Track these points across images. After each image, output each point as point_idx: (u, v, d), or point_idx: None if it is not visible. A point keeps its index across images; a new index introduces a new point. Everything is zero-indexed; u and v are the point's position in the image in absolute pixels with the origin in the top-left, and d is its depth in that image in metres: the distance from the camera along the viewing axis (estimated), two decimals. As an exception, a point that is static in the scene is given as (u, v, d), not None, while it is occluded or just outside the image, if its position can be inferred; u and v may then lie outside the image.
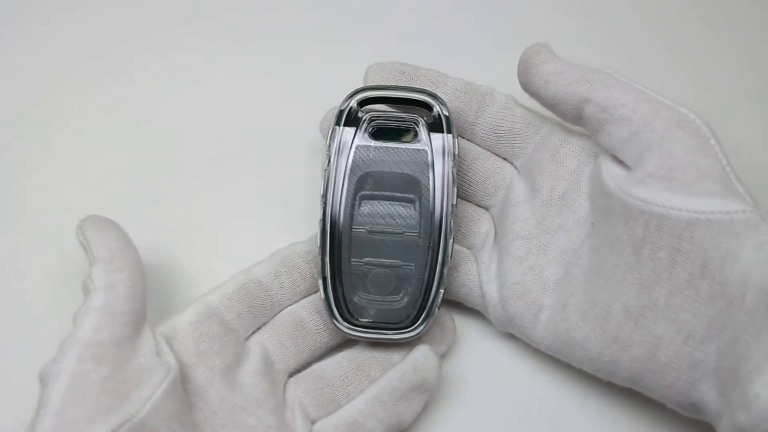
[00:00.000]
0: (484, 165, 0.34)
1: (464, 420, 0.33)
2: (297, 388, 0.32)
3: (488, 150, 0.34)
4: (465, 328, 0.35)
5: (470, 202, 0.35)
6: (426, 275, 0.31)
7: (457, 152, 0.31)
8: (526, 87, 0.32)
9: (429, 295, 0.31)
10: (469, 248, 0.34)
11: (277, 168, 0.38)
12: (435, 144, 0.31)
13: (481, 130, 0.33)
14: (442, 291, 0.31)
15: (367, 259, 0.31)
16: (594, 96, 0.30)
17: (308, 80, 0.40)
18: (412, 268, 0.31)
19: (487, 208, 0.35)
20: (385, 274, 0.31)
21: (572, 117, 0.31)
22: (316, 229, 0.32)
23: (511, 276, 0.32)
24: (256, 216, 0.37)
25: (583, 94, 0.30)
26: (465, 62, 0.41)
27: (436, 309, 0.31)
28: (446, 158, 0.31)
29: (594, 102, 0.30)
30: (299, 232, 0.34)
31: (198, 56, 0.41)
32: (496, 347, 0.34)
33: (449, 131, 0.31)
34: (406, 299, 0.31)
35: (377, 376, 0.32)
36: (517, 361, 0.34)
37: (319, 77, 0.40)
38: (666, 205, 0.28)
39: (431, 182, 0.31)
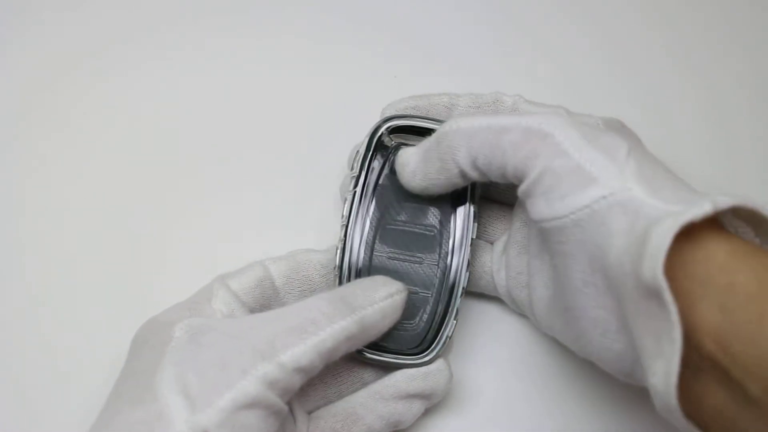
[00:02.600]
0: None
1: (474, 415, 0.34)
2: None
3: None
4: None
5: (497, 201, 0.35)
6: (443, 304, 0.32)
7: (478, 189, 0.32)
8: (422, 194, 0.32)
9: (443, 324, 0.31)
10: (491, 242, 0.35)
11: (279, 169, 0.38)
12: None
13: None
14: (455, 321, 0.32)
15: None
16: (452, 168, 0.30)
17: (311, 81, 0.40)
18: (430, 295, 0.32)
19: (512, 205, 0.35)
20: None
21: (467, 184, 0.32)
22: (334, 242, 0.32)
23: (515, 266, 0.33)
24: (259, 216, 0.37)
25: (449, 175, 0.31)
26: (466, 64, 0.41)
27: (449, 337, 0.31)
28: (468, 193, 0.32)
29: (459, 172, 0.30)
30: (305, 237, 0.35)
31: (198, 56, 0.41)
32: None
33: None
34: (421, 326, 0.32)
35: (371, 381, 0.32)
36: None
37: (322, 80, 0.40)
38: (537, 219, 0.28)
39: (452, 216, 0.32)
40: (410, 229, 0.32)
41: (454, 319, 0.32)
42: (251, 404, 0.26)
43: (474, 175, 0.30)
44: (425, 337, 0.32)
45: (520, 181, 0.29)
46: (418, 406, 0.31)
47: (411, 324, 0.32)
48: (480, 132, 0.29)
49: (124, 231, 0.37)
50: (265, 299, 0.31)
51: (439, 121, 0.32)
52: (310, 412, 0.32)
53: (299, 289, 0.32)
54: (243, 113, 0.39)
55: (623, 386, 0.33)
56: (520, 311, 0.34)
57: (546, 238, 0.29)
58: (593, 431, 0.34)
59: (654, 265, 0.23)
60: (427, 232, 0.32)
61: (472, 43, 0.41)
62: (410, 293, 0.31)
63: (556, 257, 0.28)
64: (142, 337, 0.29)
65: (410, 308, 0.32)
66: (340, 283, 0.32)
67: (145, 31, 0.41)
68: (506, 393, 0.34)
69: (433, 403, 0.32)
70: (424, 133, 0.32)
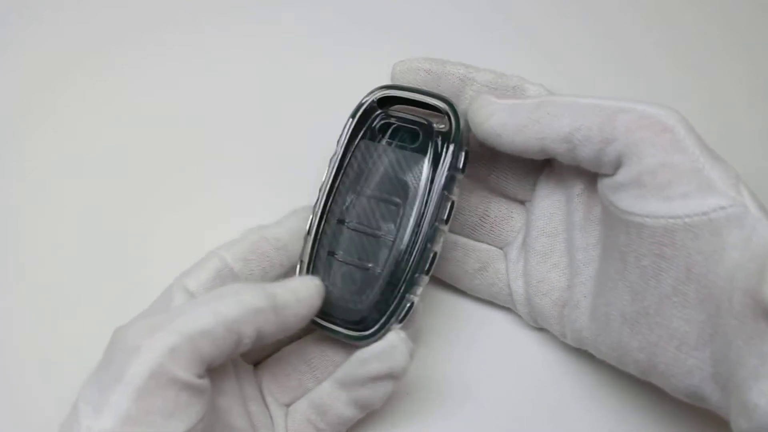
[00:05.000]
0: (519, 157, 0.32)
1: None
2: (263, 375, 0.32)
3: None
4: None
5: (505, 196, 0.34)
6: (395, 282, 0.30)
7: (459, 165, 0.30)
8: (484, 143, 0.31)
9: (393, 303, 0.30)
10: (501, 247, 0.34)
11: (279, 168, 0.38)
12: (436, 153, 0.30)
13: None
14: (411, 303, 0.30)
15: (341, 254, 0.31)
16: (548, 133, 0.29)
17: (308, 78, 0.40)
18: (380, 272, 0.30)
19: (522, 202, 0.34)
20: (352, 272, 0.31)
21: (542, 157, 0.30)
22: (285, 211, 0.32)
23: (536, 274, 0.32)
24: (261, 214, 0.37)
25: (538, 137, 0.29)
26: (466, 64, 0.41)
27: (398, 320, 0.30)
28: (442, 169, 0.30)
29: (551, 138, 0.29)
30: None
31: (196, 54, 0.41)
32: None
33: (453, 141, 0.30)
34: (367, 302, 0.30)
35: (342, 361, 0.31)
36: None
37: (320, 77, 0.40)
38: (641, 213, 0.27)
39: (420, 190, 0.30)
40: (377, 200, 0.31)
41: (411, 300, 0.30)
42: (150, 382, 0.25)
43: (561, 149, 0.29)
44: (371, 313, 0.30)
45: (618, 166, 0.28)
46: (382, 388, 0.30)
47: (359, 299, 0.30)
48: (590, 107, 0.28)
49: (125, 231, 0.37)
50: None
51: (443, 99, 0.30)
52: (289, 405, 0.31)
53: (259, 267, 0.31)
54: (240, 110, 0.39)
55: (622, 388, 0.33)
56: (534, 323, 0.34)
57: (637, 237, 0.27)
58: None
59: None
60: (390, 206, 0.31)
61: (471, 42, 0.41)
62: (362, 268, 0.31)
63: (648, 258, 0.27)
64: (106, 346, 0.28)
65: (360, 283, 0.31)
66: (303, 254, 0.31)
67: (144, 30, 0.41)
68: (506, 395, 0.34)
69: (397, 380, 0.30)
70: (413, 104, 0.31)
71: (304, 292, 0.29)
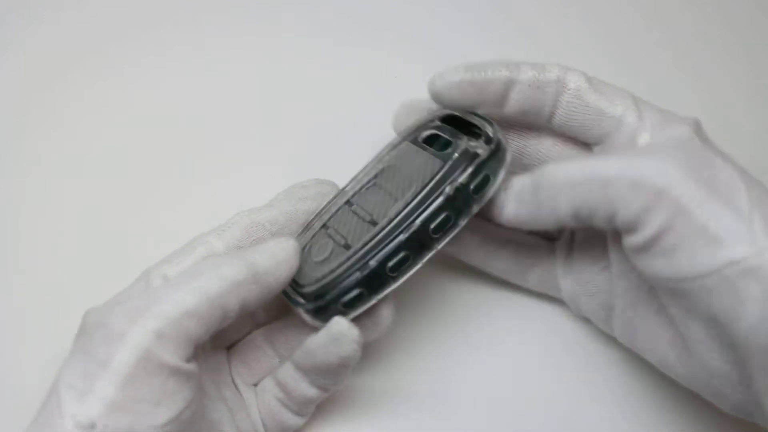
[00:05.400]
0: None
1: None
2: (233, 359, 0.32)
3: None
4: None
5: None
6: (357, 267, 0.28)
7: (464, 181, 0.28)
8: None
9: (345, 287, 0.28)
10: (552, 240, 0.34)
11: (278, 169, 0.38)
12: (448, 163, 0.29)
13: (558, 124, 0.31)
14: (359, 294, 0.28)
15: (332, 229, 0.31)
16: (555, 215, 0.28)
17: (310, 80, 0.40)
18: (348, 257, 0.29)
19: None
20: (330, 245, 0.30)
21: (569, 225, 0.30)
22: (276, 192, 0.31)
23: (585, 274, 0.32)
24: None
25: (549, 219, 0.29)
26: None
27: (342, 305, 0.28)
28: (447, 180, 0.28)
29: (559, 218, 0.28)
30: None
31: (196, 55, 0.41)
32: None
33: (475, 164, 0.28)
34: (324, 282, 0.29)
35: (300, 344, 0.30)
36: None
37: (323, 79, 0.40)
38: (653, 275, 0.27)
39: (419, 193, 0.28)
40: (385, 192, 0.30)
41: (364, 294, 0.28)
42: (137, 368, 0.24)
43: (575, 223, 0.28)
44: (321, 288, 0.28)
45: (628, 232, 0.27)
46: (338, 375, 0.29)
47: (320, 270, 0.29)
48: (582, 184, 0.27)
49: (125, 231, 0.37)
50: None
51: (492, 124, 0.29)
52: (256, 385, 0.31)
53: None
54: (240, 110, 0.39)
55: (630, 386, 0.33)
56: (580, 314, 0.34)
57: (660, 292, 0.28)
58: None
59: None
60: (391, 199, 0.30)
61: (472, 42, 0.42)
62: (339, 244, 0.29)
63: (673, 309, 0.27)
64: (77, 331, 0.27)
65: (328, 255, 0.29)
66: (313, 219, 0.31)
67: (144, 30, 0.41)
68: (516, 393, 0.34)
69: (350, 367, 0.29)
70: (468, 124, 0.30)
71: (281, 254, 0.28)
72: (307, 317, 0.29)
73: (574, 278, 0.33)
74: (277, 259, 0.28)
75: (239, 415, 0.30)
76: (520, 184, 0.29)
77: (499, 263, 0.34)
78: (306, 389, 0.30)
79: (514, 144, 0.32)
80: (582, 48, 0.41)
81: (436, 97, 0.31)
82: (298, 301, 0.29)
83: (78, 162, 0.38)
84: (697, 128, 0.29)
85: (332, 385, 0.30)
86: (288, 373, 0.30)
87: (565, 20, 0.42)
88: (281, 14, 0.42)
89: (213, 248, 0.29)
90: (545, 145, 0.32)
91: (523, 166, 0.32)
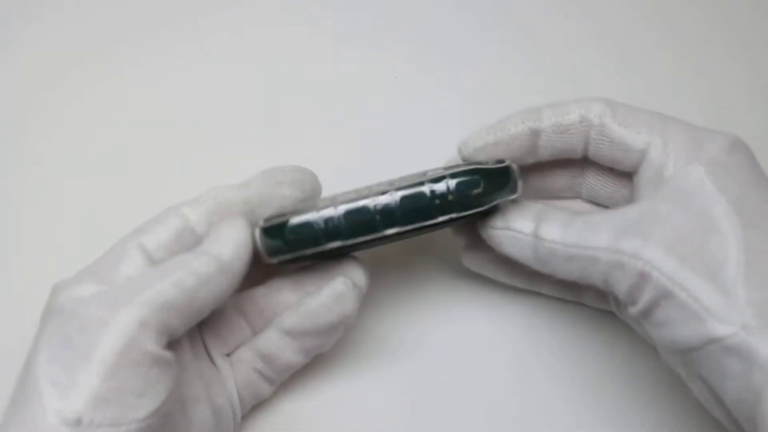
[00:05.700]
0: (607, 166, 0.31)
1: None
2: (205, 331, 0.31)
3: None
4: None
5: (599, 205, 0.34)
6: (336, 206, 0.28)
7: (448, 218, 0.28)
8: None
9: (311, 224, 0.28)
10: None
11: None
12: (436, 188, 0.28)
13: (593, 157, 0.31)
14: (326, 245, 0.28)
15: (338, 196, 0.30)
16: (568, 277, 0.29)
17: (310, 81, 0.40)
18: (337, 196, 0.29)
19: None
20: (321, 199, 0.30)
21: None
22: (255, 173, 0.30)
23: None
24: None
25: (566, 278, 0.29)
26: (466, 64, 0.41)
27: (298, 243, 0.28)
28: (445, 184, 0.28)
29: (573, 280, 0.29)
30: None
31: (196, 55, 0.41)
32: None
33: (458, 205, 0.28)
34: (303, 207, 0.29)
35: (272, 312, 0.30)
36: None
37: (322, 79, 0.40)
38: (657, 341, 0.28)
39: (425, 174, 0.28)
40: (389, 183, 0.29)
41: (324, 238, 0.28)
42: (121, 359, 0.24)
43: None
44: (291, 231, 0.28)
45: (626, 303, 0.28)
46: (334, 335, 0.30)
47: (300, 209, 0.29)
48: (575, 259, 0.28)
49: (124, 231, 0.36)
50: (185, 250, 0.28)
51: (498, 162, 0.29)
52: (229, 355, 0.31)
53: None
54: (240, 110, 0.39)
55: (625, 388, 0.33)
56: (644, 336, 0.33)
57: (661, 352, 0.29)
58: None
59: None
60: (382, 192, 0.28)
61: (472, 42, 0.42)
62: (328, 199, 0.29)
63: (678, 368, 0.28)
64: (45, 308, 0.27)
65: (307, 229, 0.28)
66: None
67: (144, 30, 0.41)
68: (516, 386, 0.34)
69: (346, 326, 0.30)
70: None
71: (237, 236, 0.28)
72: (256, 233, 0.29)
73: None
74: (236, 242, 0.28)
75: (214, 390, 0.30)
76: (532, 250, 0.29)
77: (553, 287, 0.34)
78: (292, 356, 0.30)
79: (560, 182, 0.32)
80: (582, 48, 0.41)
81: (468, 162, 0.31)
82: (258, 223, 0.29)
83: (78, 162, 0.38)
84: (732, 148, 0.29)
85: (322, 347, 0.30)
86: (272, 341, 0.30)
87: (565, 20, 0.42)
88: (281, 14, 0.42)
89: (187, 220, 0.29)
90: (589, 177, 0.32)
91: (577, 196, 0.33)
